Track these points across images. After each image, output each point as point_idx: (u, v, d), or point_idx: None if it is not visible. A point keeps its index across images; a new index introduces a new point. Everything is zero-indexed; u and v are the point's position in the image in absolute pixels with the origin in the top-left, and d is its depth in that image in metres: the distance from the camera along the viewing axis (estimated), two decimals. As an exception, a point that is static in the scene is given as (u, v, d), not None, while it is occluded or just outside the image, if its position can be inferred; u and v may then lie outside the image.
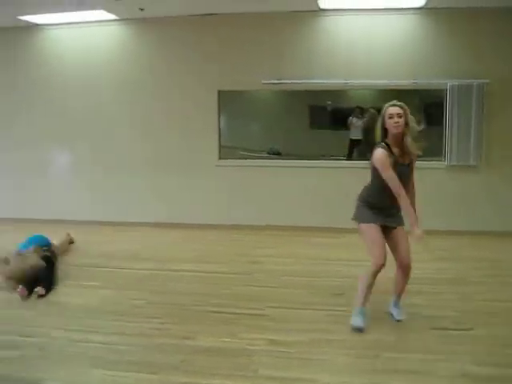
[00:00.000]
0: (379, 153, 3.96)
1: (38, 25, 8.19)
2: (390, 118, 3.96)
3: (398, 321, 4.27)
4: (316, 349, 3.77)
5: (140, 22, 7.91)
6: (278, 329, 4.12)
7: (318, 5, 7.15)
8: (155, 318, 4.39)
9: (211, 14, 7.60)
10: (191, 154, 7.99)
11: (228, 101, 7.99)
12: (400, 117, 3.93)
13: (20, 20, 7.84)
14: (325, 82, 7.51)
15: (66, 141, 8.43)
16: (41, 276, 5.12)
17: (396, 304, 4.36)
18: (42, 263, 5.24)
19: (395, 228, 4.17)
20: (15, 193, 8.58)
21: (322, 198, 7.73)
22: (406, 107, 3.99)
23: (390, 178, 3.90)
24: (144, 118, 8.13)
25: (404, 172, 4.02)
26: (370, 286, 4.10)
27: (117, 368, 3.50)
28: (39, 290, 4.99)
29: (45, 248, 5.54)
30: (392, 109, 3.98)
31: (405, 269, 4.15)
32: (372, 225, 4.10)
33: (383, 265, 3.99)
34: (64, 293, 5.10)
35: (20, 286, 4.99)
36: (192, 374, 3.40)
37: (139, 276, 5.63)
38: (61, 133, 8.39)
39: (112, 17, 7.77)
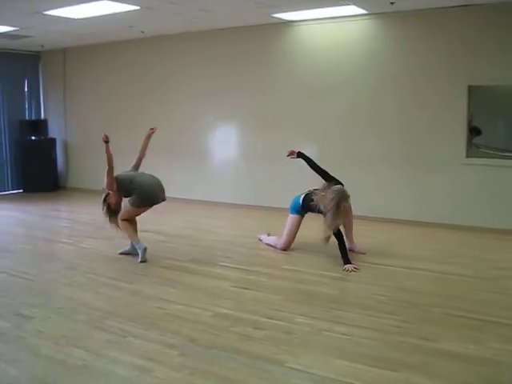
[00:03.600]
0: None
1: (289, 21, 8.60)
2: None
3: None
4: None
5: (390, 15, 7.87)
6: (531, 343, 3.86)
7: None
8: (395, 314, 4.38)
9: (465, 6, 7.27)
10: (435, 150, 7.79)
11: (476, 96, 7.62)
12: None
13: (273, 17, 8.31)
14: None
15: (317, 136, 8.73)
16: None
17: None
18: None
19: None
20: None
21: None
22: None
23: None
24: (394, 111, 8.09)
25: None
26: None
27: (358, 361, 3.54)
28: None
29: None
30: None
31: None
32: None
33: None
34: (310, 281, 5.34)
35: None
36: (434, 377, 3.31)
37: (380, 271, 5.67)
38: (314, 128, 8.76)
39: (362, 11, 7.85)
